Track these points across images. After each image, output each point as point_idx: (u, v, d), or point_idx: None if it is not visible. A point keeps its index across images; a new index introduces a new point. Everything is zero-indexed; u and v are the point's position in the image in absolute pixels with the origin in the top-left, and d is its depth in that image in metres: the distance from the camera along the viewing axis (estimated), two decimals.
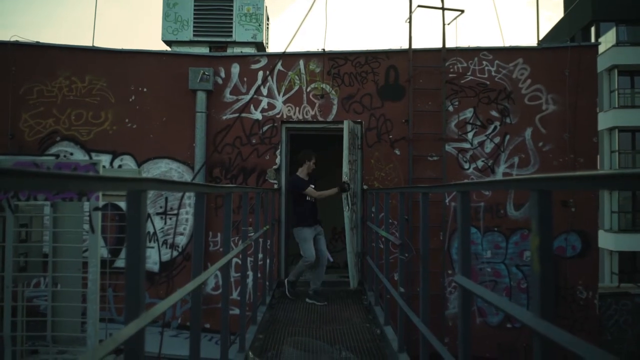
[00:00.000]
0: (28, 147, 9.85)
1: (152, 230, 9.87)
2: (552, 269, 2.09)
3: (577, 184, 2.07)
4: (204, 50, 10.91)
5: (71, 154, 9.90)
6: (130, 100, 10.08)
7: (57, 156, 9.80)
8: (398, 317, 5.78)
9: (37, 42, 10.23)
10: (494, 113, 9.97)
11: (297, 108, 10.10)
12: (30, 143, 9.90)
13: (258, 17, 10.86)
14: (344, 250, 10.25)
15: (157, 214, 9.95)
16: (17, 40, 10.05)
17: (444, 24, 10.20)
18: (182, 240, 9.99)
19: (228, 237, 4.70)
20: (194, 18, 10.90)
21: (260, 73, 10.14)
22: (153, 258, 9.85)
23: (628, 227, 26.06)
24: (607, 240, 24.73)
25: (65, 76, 10.03)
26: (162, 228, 9.97)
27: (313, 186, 8.53)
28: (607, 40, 26.69)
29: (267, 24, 11.50)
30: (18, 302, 5.68)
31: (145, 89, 10.08)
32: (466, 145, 9.96)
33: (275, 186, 9.95)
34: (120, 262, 9.27)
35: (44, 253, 6.13)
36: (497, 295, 2.98)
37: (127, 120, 10.04)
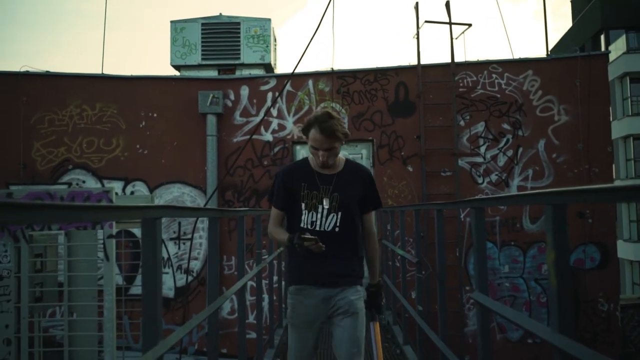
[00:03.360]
0: (40, 176, 9.87)
1: (166, 256, 9.83)
2: (570, 283, 2.04)
3: (592, 197, 2.02)
4: (212, 73, 10.93)
5: (83, 181, 9.91)
6: (141, 126, 10.10)
7: (70, 185, 9.81)
8: (417, 336, 5.70)
9: (47, 71, 10.30)
10: (505, 126, 9.90)
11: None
12: (42, 172, 9.92)
13: (265, 39, 10.89)
14: None
15: (171, 239, 9.92)
16: (27, 71, 10.12)
17: (451, 39, 10.19)
18: (196, 265, 9.94)
19: (242, 260, 4.65)
20: (202, 42, 10.94)
21: (270, 94, 10.14)
22: (168, 284, 9.80)
23: None
24: (626, 250, 24.41)
25: (76, 104, 10.08)
26: (176, 253, 9.93)
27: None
28: (618, 47, 26.55)
29: (275, 45, 11.53)
30: (35, 333, 5.65)
31: (155, 114, 10.10)
32: (479, 160, 9.89)
33: None
34: (135, 289, 9.23)
35: (59, 282, 6.10)
36: (515, 312, 2.92)
37: (138, 146, 10.05)
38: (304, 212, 3.43)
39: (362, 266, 3.51)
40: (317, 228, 3.39)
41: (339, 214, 3.42)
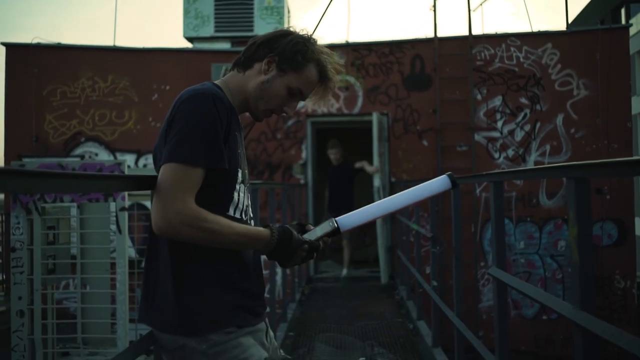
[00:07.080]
0: (53, 148, 9.84)
1: None
2: (592, 259, 1.98)
3: (615, 170, 1.95)
4: (225, 45, 10.80)
5: (96, 154, 9.87)
6: (153, 98, 10.01)
7: (82, 157, 9.78)
8: (431, 311, 5.67)
9: (59, 43, 10.21)
10: (523, 100, 9.73)
11: (322, 101, 9.94)
12: (55, 145, 9.88)
13: (279, 10, 10.72)
14: (374, 245, 10.14)
15: None
16: (38, 42, 10.04)
17: (469, 11, 9.98)
18: None
19: None
20: (215, 13, 10.79)
21: None
22: None
23: None
24: None
25: (88, 76, 9.99)
26: None
27: None
28: (639, 21, 25.98)
29: (289, 17, 11.36)
30: (48, 305, 5.64)
31: (167, 87, 9.99)
32: (496, 134, 9.74)
33: (302, 181, 9.83)
34: None
35: (72, 255, 6.08)
36: (534, 287, 2.86)
37: (150, 119, 9.97)
38: (238, 187, 1.92)
39: None
40: (249, 215, 2.02)
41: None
